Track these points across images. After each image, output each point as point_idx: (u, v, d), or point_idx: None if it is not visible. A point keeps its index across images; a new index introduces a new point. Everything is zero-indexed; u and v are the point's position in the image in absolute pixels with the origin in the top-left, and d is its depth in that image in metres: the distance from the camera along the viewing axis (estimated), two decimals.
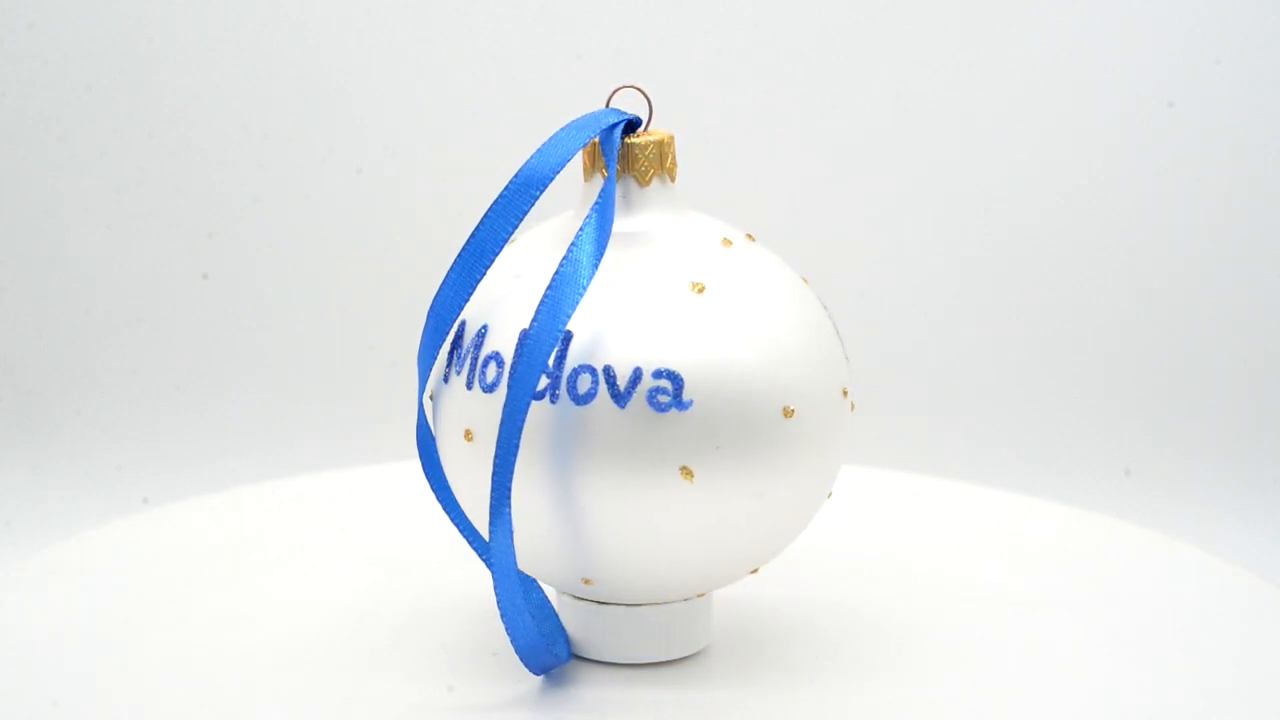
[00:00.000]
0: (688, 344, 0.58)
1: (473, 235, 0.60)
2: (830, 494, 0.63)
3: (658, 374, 0.57)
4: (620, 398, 0.58)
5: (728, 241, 0.61)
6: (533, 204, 0.60)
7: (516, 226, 0.60)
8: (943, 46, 1.35)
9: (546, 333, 0.57)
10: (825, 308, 0.63)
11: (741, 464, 0.58)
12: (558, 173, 0.60)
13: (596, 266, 0.58)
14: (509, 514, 0.58)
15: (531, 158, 0.60)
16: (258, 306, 1.38)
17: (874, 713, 0.62)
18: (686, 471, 0.58)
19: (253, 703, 0.62)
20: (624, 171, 0.62)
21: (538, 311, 0.57)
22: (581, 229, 0.59)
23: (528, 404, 0.57)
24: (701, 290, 0.59)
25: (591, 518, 0.59)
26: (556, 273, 0.58)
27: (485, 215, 0.60)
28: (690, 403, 0.58)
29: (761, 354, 0.59)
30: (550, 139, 0.60)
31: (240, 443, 1.34)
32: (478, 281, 0.60)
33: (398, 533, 0.79)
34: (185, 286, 1.37)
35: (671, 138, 0.62)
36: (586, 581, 0.61)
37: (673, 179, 0.63)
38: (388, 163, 1.37)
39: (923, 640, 0.68)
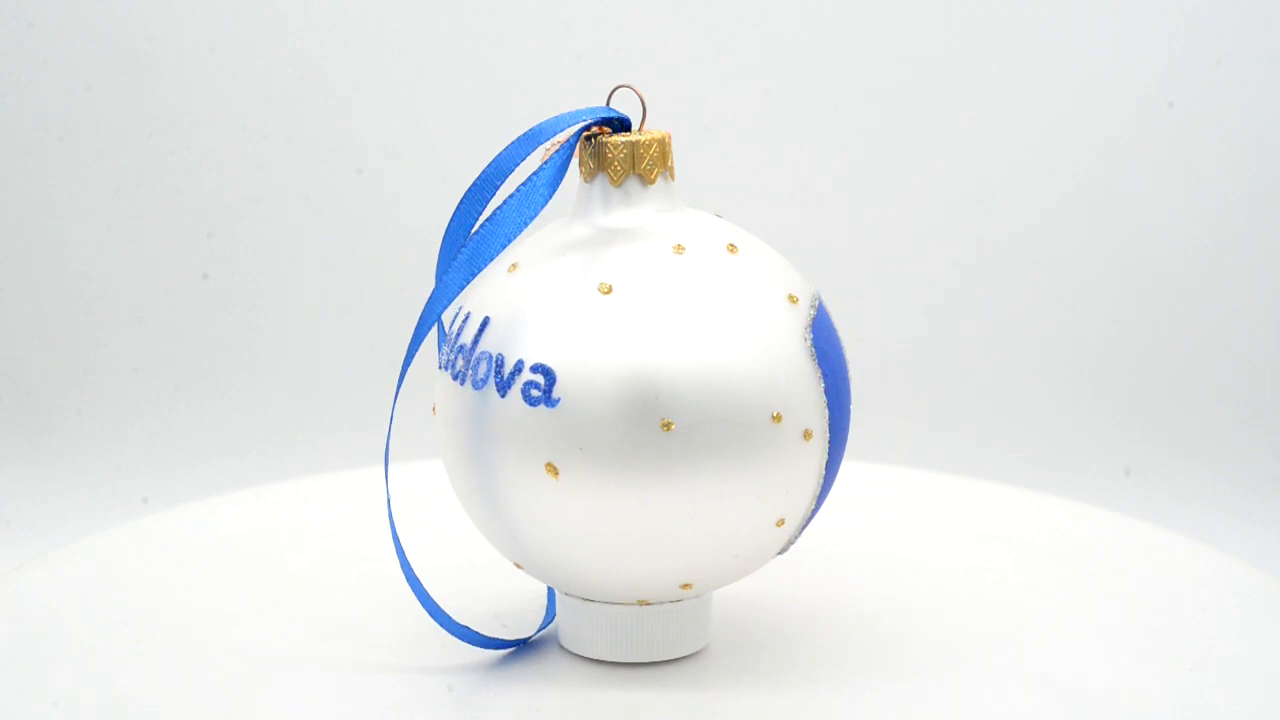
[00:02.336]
0: (571, 343, 0.58)
1: (457, 208, 0.61)
2: (782, 522, 0.60)
3: (534, 368, 0.58)
4: (502, 386, 0.59)
5: (680, 248, 0.60)
6: (497, 187, 0.61)
7: (487, 203, 0.61)
8: (943, 47, 1.35)
9: (433, 304, 0.59)
10: (806, 331, 0.60)
11: (607, 470, 0.57)
12: (519, 163, 0.60)
13: (503, 247, 0.60)
14: (388, 483, 0.61)
15: (501, 152, 0.61)
16: (258, 306, 1.38)
17: (874, 712, 0.62)
18: (552, 468, 0.58)
19: (251, 702, 0.62)
20: (598, 170, 0.62)
21: (436, 283, 0.60)
22: (497, 211, 0.60)
23: (405, 369, 0.60)
24: (608, 291, 0.59)
25: (496, 501, 0.60)
26: (461, 251, 0.60)
27: (464, 195, 0.61)
28: (559, 400, 0.58)
29: (645, 362, 0.57)
30: (526, 132, 0.61)
31: (240, 443, 1.34)
32: (455, 255, 0.61)
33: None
34: (185, 286, 1.37)
35: (654, 140, 0.62)
36: (517, 565, 0.63)
37: (649, 181, 0.62)
38: (388, 163, 1.37)
39: (924, 638, 0.68)
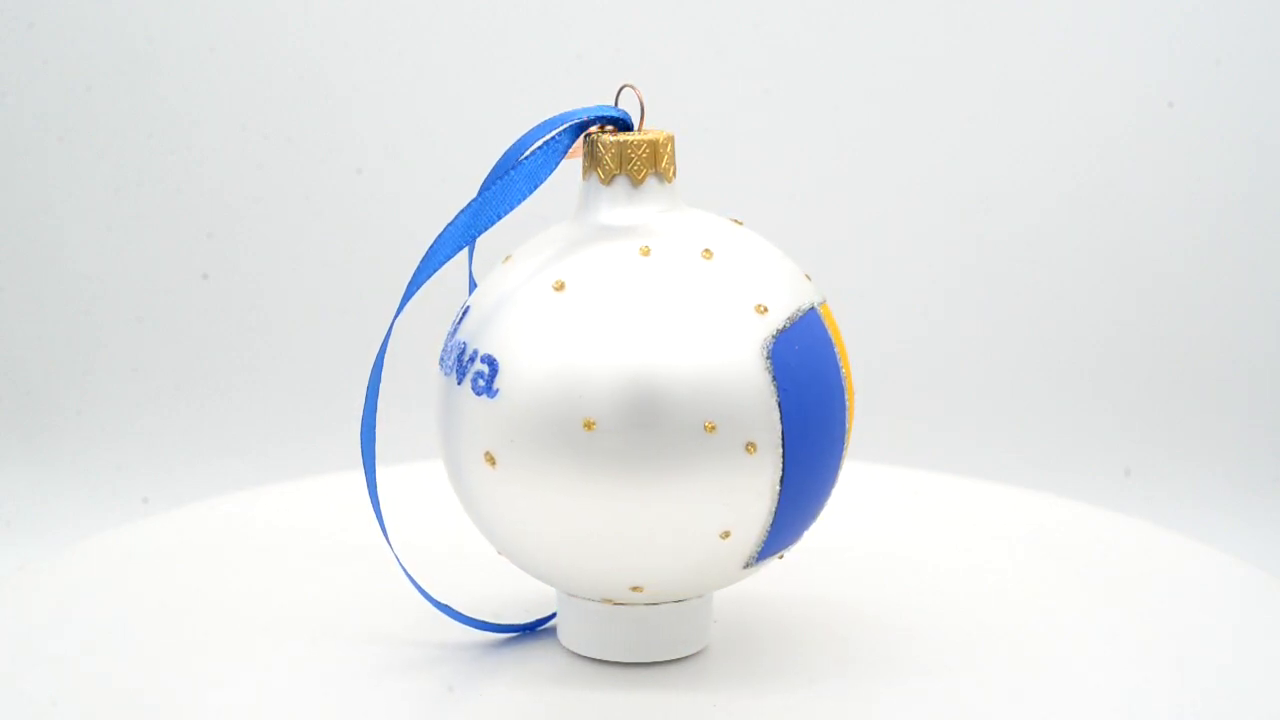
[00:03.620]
0: (516, 337, 0.59)
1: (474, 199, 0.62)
2: (727, 534, 0.59)
3: (483, 359, 0.59)
4: (460, 373, 0.60)
5: (646, 250, 0.60)
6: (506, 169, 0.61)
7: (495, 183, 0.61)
8: (943, 47, 1.35)
9: (415, 279, 0.60)
10: (768, 342, 0.58)
11: (535, 464, 0.58)
12: (521, 154, 0.61)
13: (482, 230, 0.61)
14: (373, 462, 0.62)
15: (518, 140, 0.61)
16: (258, 306, 1.38)
17: (874, 712, 0.62)
18: (490, 458, 0.59)
19: (252, 702, 0.62)
20: (592, 169, 0.62)
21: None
22: (496, 187, 0.60)
23: (386, 341, 0.61)
24: (560, 288, 0.59)
25: (462, 488, 0.61)
26: (464, 211, 0.61)
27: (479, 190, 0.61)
28: (498, 391, 0.59)
29: (578, 361, 0.57)
30: (543, 121, 0.61)
31: (240, 443, 1.34)
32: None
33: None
34: (185, 286, 1.37)
35: (645, 141, 0.61)
36: (500, 553, 0.63)
37: (638, 181, 0.61)
38: (388, 163, 1.37)
39: (924, 638, 0.68)
